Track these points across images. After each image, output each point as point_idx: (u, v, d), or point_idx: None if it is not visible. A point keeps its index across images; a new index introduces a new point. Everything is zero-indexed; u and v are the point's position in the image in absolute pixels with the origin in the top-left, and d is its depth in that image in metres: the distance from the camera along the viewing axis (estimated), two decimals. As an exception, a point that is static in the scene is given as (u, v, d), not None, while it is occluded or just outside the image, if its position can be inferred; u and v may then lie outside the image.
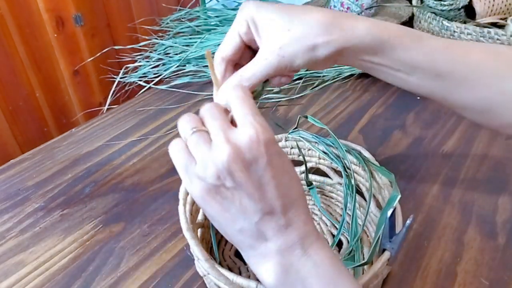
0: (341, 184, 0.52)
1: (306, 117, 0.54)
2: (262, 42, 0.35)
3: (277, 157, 0.28)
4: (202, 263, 0.34)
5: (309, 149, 0.52)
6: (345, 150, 0.48)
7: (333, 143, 0.50)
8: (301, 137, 0.52)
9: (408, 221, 0.35)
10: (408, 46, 0.36)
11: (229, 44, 0.37)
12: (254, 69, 0.35)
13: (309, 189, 0.54)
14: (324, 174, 0.53)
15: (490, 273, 0.44)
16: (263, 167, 0.27)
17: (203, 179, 0.27)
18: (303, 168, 0.53)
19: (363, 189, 0.48)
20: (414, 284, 0.43)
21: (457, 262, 0.45)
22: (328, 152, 0.50)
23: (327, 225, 0.50)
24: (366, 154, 0.47)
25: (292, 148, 0.52)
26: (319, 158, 0.52)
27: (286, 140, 0.52)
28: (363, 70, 0.40)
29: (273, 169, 0.28)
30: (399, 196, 0.37)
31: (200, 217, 0.45)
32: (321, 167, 0.53)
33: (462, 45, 0.38)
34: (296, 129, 0.53)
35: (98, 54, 1.09)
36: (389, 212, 0.37)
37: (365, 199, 0.49)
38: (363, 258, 0.43)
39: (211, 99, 0.88)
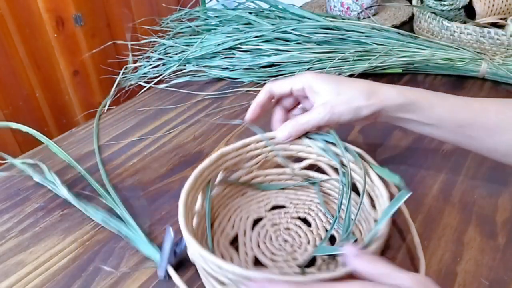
0: (338, 181, 0.52)
1: None
2: (317, 101, 0.47)
3: None
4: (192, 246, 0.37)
5: (308, 146, 0.52)
6: (344, 148, 0.48)
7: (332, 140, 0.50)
8: None
9: (171, 235, 0.42)
10: (434, 104, 0.46)
11: (282, 89, 0.49)
12: (309, 118, 0.47)
13: (309, 183, 0.55)
14: (324, 172, 0.54)
15: (490, 273, 0.44)
16: None
17: None
18: (302, 164, 0.53)
19: (359, 186, 0.48)
20: (414, 284, 0.43)
21: (457, 262, 0.45)
22: (326, 149, 0.50)
23: (322, 221, 0.50)
24: (367, 157, 0.48)
25: (291, 144, 0.52)
26: (318, 155, 0.52)
27: None
28: (398, 124, 0.50)
29: None
30: (410, 193, 0.37)
31: (197, 207, 0.47)
32: (320, 164, 0.53)
33: (479, 100, 0.47)
34: None
35: (97, 51, 1.09)
36: (391, 212, 0.37)
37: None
38: None
39: (210, 99, 0.87)
